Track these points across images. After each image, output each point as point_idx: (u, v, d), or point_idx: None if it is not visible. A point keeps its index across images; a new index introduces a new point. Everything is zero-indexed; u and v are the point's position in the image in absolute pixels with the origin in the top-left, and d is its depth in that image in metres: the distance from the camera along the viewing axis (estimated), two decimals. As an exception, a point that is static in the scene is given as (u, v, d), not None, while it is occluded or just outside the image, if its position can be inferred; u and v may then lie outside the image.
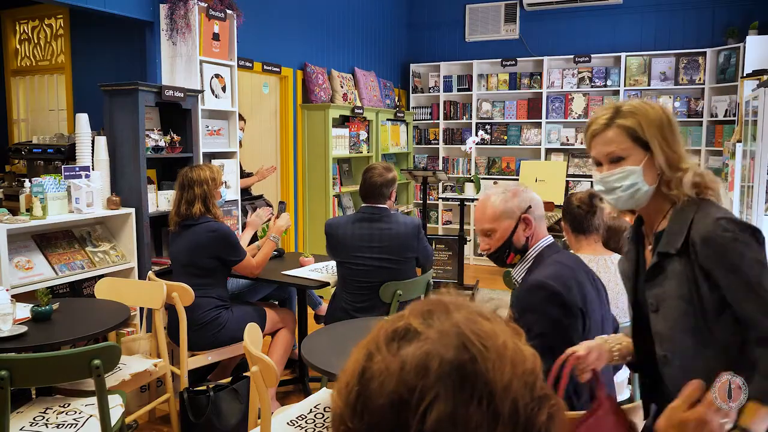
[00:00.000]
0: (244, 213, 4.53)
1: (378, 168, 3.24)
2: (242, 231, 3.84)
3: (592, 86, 6.71)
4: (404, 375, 0.60)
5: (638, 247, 1.57)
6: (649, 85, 6.46)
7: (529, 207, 1.91)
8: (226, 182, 4.11)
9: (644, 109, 1.46)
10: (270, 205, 4.89)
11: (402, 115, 6.95)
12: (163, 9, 4.03)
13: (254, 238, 3.96)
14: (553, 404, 0.64)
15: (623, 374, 2.48)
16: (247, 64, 4.85)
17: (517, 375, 0.62)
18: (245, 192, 4.80)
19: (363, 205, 3.24)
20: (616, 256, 2.62)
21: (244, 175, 4.75)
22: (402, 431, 0.59)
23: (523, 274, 1.92)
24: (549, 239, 1.94)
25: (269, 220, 3.73)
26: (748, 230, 1.38)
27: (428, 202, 6.83)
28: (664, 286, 1.44)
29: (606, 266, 2.52)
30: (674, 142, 1.46)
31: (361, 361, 0.64)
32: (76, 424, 2.28)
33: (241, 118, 4.64)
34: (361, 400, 0.62)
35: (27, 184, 3.30)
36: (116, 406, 2.36)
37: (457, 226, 6.35)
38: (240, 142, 4.64)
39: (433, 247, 5.95)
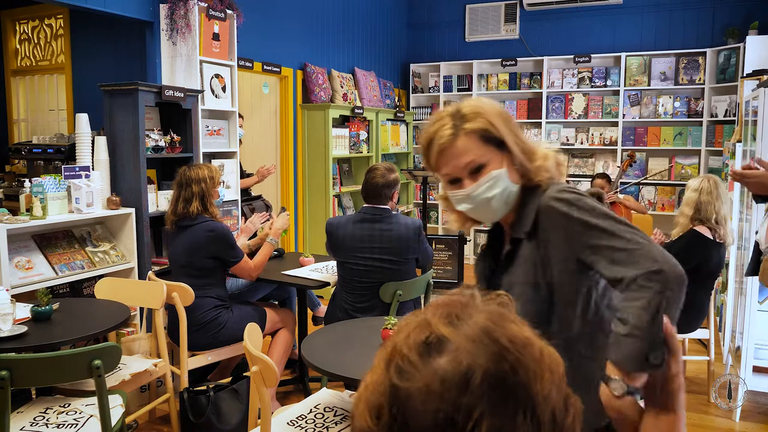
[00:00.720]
0: (242, 214, 4.53)
1: (380, 169, 3.24)
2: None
3: (592, 86, 6.71)
4: (447, 393, 0.57)
5: (498, 246, 1.47)
6: (649, 85, 6.46)
7: None
8: (223, 182, 4.11)
9: (485, 107, 1.34)
10: (269, 206, 4.89)
11: (402, 115, 6.96)
12: (163, 9, 4.03)
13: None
14: (574, 402, 0.64)
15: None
16: (247, 64, 4.86)
17: (554, 383, 0.61)
18: (245, 192, 4.80)
19: (364, 205, 3.24)
20: None
21: (244, 175, 4.75)
22: None
23: None
24: None
25: (266, 221, 3.73)
26: (589, 196, 1.33)
27: (428, 202, 6.82)
28: (514, 273, 1.37)
29: None
30: (520, 132, 1.37)
31: (391, 378, 0.60)
32: (77, 424, 2.28)
33: (239, 115, 4.64)
34: (399, 421, 0.58)
35: (27, 184, 3.30)
36: (116, 406, 2.36)
37: (457, 226, 6.34)
38: (240, 139, 4.65)
39: (433, 247, 5.95)
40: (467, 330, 0.62)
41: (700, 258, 3.37)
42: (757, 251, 2.72)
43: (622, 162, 5.45)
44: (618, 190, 5.41)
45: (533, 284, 1.33)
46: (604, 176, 5.70)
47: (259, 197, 4.93)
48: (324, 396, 2.52)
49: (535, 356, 0.61)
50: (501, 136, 1.32)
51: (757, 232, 2.73)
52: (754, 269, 2.77)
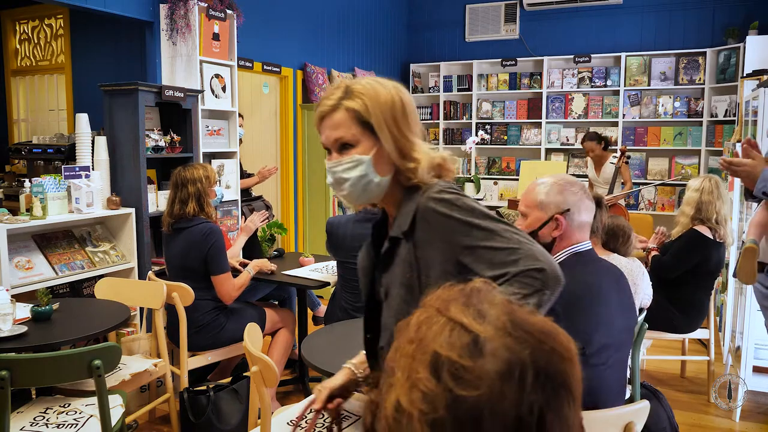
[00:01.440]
0: (242, 214, 4.52)
1: None
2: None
3: (592, 86, 6.71)
4: (509, 393, 0.57)
5: (381, 241, 1.42)
6: (649, 85, 6.46)
7: (568, 210, 1.80)
8: (220, 181, 4.10)
9: (374, 90, 1.29)
10: (269, 206, 4.89)
11: (402, 115, 6.95)
12: (163, 9, 4.03)
13: (256, 244, 3.95)
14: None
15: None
16: (247, 64, 4.86)
17: (577, 367, 0.63)
18: (245, 193, 4.79)
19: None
20: (615, 256, 2.62)
21: (244, 175, 4.74)
22: None
23: None
24: (582, 246, 1.82)
25: (265, 220, 3.72)
26: (469, 197, 1.30)
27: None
28: (392, 272, 1.34)
29: None
30: (407, 128, 1.30)
31: (449, 387, 0.58)
32: (77, 424, 2.28)
33: (239, 115, 4.64)
34: (469, 428, 0.57)
35: (27, 184, 3.30)
36: (116, 406, 2.36)
37: (457, 226, 6.34)
38: (240, 139, 4.65)
39: (433, 247, 5.94)
40: (494, 321, 0.62)
41: (700, 257, 3.38)
42: None
43: (617, 159, 5.41)
44: (617, 195, 5.32)
45: (408, 286, 1.30)
46: (595, 137, 5.59)
47: (259, 198, 4.93)
48: None
49: (563, 344, 0.63)
50: (373, 124, 1.28)
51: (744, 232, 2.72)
52: None
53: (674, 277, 3.41)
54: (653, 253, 3.56)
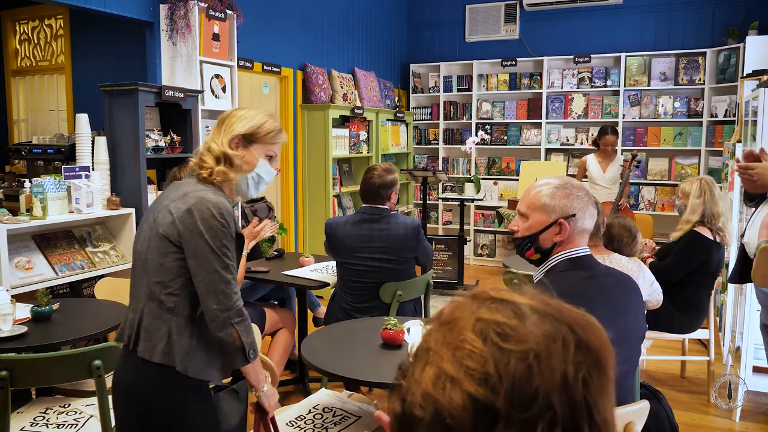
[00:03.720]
0: (243, 216, 4.51)
1: (378, 169, 3.24)
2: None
3: (592, 86, 6.71)
4: (556, 352, 0.59)
5: None
6: (649, 85, 6.46)
7: (573, 216, 1.75)
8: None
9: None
10: (271, 208, 4.89)
11: (402, 115, 6.96)
12: (163, 9, 4.03)
13: (256, 244, 3.94)
14: None
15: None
16: (247, 64, 4.86)
17: (612, 354, 0.64)
18: None
19: (363, 205, 3.24)
20: (616, 256, 2.62)
21: None
22: (571, 410, 0.57)
23: (539, 277, 1.82)
24: (580, 251, 1.79)
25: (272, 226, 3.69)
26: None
27: (428, 202, 6.83)
28: None
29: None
30: (219, 136, 1.88)
31: (496, 344, 0.59)
32: (77, 425, 2.28)
33: None
34: (520, 385, 0.57)
35: (27, 184, 3.30)
36: (116, 406, 2.36)
37: (457, 226, 6.35)
38: None
39: (433, 247, 5.95)
40: (532, 303, 0.64)
41: (701, 259, 3.38)
42: (742, 256, 2.68)
43: (624, 162, 5.31)
44: (622, 200, 5.24)
45: None
46: (616, 131, 5.41)
47: (262, 199, 4.93)
48: (323, 397, 2.52)
49: (597, 328, 0.64)
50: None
51: (743, 236, 2.70)
52: (739, 275, 2.72)
53: (676, 280, 3.40)
54: (649, 260, 3.55)
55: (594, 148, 5.66)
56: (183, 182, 1.85)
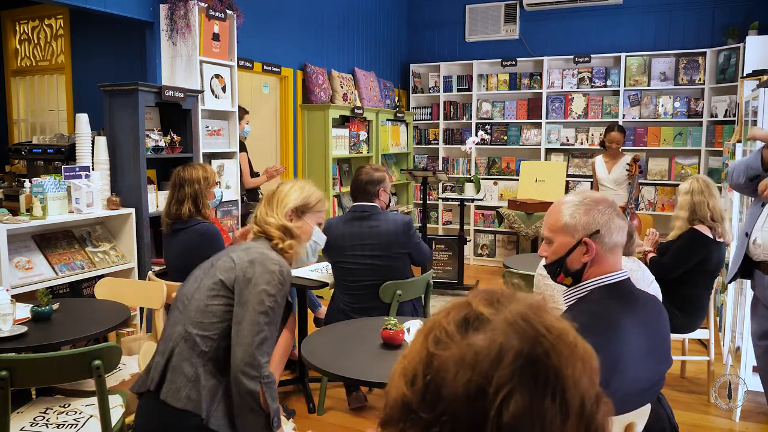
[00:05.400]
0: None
1: (366, 167, 3.32)
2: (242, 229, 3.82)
3: (592, 86, 6.71)
4: (480, 365, 0.60)
5: None
6: (649, 85, 6.46)
7: (597, 231, 1.62)
8: (219, 182, 4.09)
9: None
10: None
11: (402, 115, 6.96)
12: (163, 9, 4.03)
13: None
14: (606, 402, 0.65)
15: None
16: (247, 64, 4.86)
17: (586, 373, 0.63)
18: (253, 192, 4.80)
19: (354, 204, 3.27)
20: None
21: (253, 174, 4.75)
22: (478, 421, 0.58)
23: (572, 302, 1.69)
24: (618, 276, 1.65)
25: None
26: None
27: (428, 202, 6.83)
28: None
29: None
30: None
31: (428, 347, 0.64)
32: (77, 425, 2.28)
33: (244, 111, 4.64)
34: (432, 388, 0.61)
35: (27, 184, 3.30)
36: (117, 406, 2.36)
37: (457, 226, 6.35)
38: (245, 136, 4.65)
39: (433, 247, 5.95)
40: (507, 314, 0.64)
41: (700, 257, 3.37)
42: (746, 256, 2.66)
43: (628, 167, 5.20)
44: (633, 205, 5.15)
45: None
46: (623, 129, 5.30)
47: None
48: None
49: (569, 344, 0.63)
50: None
51: (747, 234, 2.67)
52: (742, 272, 2.72)
53: (674, 277, 3.40)
54: (650, 255, 3.56)
55: (601, 148, 5.54)
56: (248, 242, 1.97)
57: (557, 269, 1.69)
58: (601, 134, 6.46)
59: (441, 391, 0.60)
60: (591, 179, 5.62)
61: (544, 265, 1.77)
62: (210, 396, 1.69)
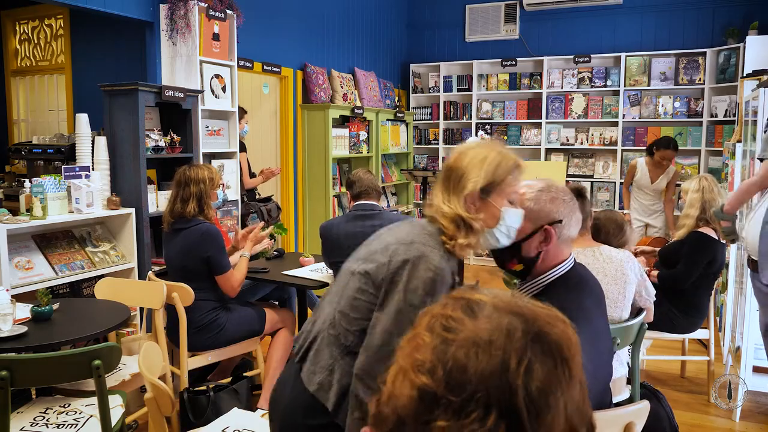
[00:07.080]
0: (261, 215, 4.56)
1: (363, 170, 3.39)
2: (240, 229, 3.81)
3: (592, 86, 6.71)
4: (497, 341, 0.62)
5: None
6: (649, 85, 6.46)
7: (560, 221, 1.62)
8: (223, 184, 4.09)
9: None
10: (279, 209, 4.91)
11: (402, 115, 6.96)
12: (163, 9, 4.03)
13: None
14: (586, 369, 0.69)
15: (622, 370, 2.47)
16: (247, 64, 4.86)
17: (575, 342, 0.66)
18: (252, 193, 4.81)
19: (356, 203, 3.27)
20: (606, 248, 2.59)
21: (251, 175, 4.77)
22: (507, 394, 0.60)
23: (531, 294, 1.66)
24: (566, 266, 1.67)
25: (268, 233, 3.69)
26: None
27: (428, 202, 6.82)
28: None
29: (594, 257, 2.52)
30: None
31: (440, 335, 0.64)
32: (77, 425, 2.28)
33: (243, 111, 4.65)
34: (455, 372, 0.61)
35: (27, 184, 3.30)
36: (116, 406, 2.36)
37: (457, 226, 6.33)
38: (244, 136, 4.66)
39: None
40: (496, 301, 0.67)
41: (708, 258, 3.37)
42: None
43: (671, 192, 4.99)
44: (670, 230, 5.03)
45: None
46: (677, 147, 5.02)
47: (270, 198, 4.95)
48: (233, 418, 2.32)
49: (561, 319, 0.67)
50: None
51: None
52: (752, 266, 2.77)
53: (689, 284, 3.37)
54: (653, 272, 3.50)
55: (647, 154, 5.25)
56: (421, 222, 1.65)
57: (511, 254, 1.65)
58: (601, 134, 6.45)
59: (466, 371, 0.61)
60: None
61: (491, 249, 1.67)
62: (341, 391, 1.55)
